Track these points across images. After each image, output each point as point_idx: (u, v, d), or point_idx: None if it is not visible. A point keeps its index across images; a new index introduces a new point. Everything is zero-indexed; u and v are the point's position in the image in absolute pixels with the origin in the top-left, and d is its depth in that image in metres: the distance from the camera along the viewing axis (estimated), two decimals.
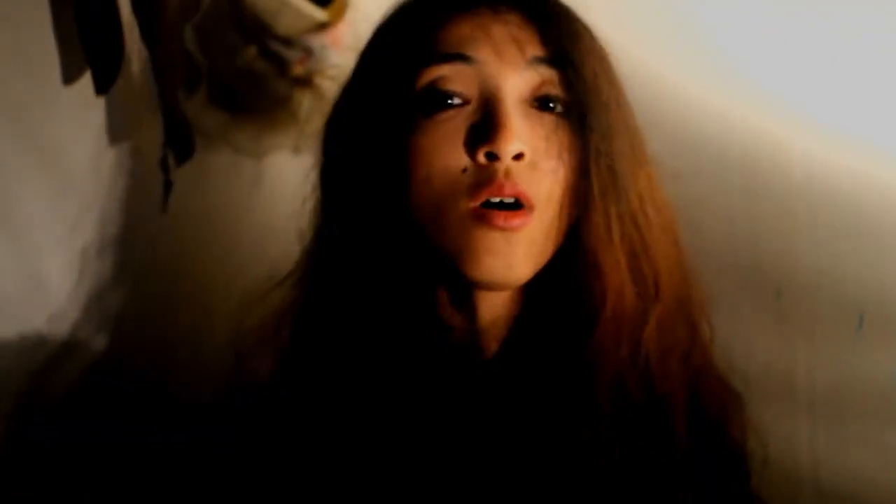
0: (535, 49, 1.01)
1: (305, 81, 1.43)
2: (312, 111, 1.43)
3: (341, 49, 1.43)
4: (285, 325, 1.05)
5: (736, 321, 1.27)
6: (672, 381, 1.02)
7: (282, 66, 1.41)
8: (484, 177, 0.98)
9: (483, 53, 1.00)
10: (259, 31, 1.38)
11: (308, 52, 1.42)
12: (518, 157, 0.98)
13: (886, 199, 1.30)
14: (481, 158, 0.98)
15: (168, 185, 1.30)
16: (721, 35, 1.37)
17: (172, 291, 1.41)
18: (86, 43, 1.19)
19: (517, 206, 0.98)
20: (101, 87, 1.21)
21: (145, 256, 1.38)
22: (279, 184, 1.42)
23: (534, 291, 1.02)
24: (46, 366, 1.31)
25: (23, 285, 1.29)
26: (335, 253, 1.03)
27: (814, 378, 1.33)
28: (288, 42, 1.41)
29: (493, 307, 1.03)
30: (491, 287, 1.01)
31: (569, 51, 1.02)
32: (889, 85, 1.31)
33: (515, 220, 0.97)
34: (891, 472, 1.29)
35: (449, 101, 1.00)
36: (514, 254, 0.98)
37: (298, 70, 1.43)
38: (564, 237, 1.02)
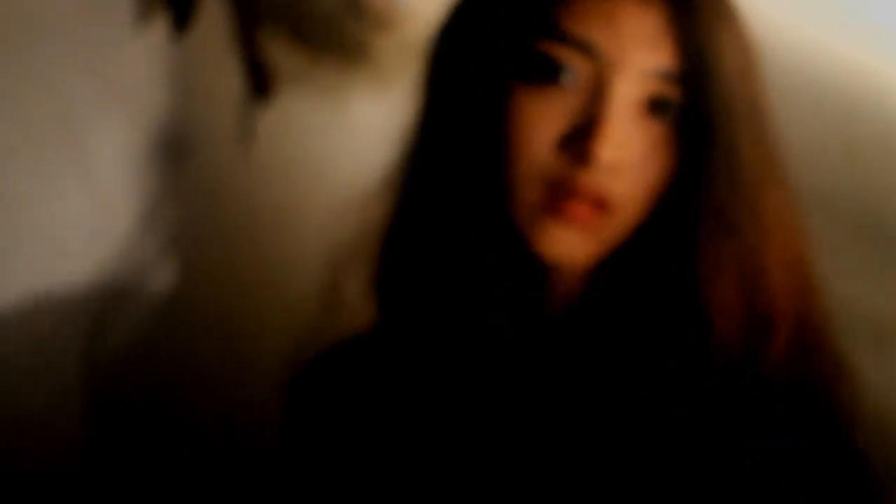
0: (667, 59, 0.93)
1: (384, 24, 1.39)
2: (392, 54, 1.39)
3: None
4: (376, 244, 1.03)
5: (839, 271, 1.22)
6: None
7: (360, 6, 1.37)
8: (565, 175, 0.92)
9: (609, 50, 0.92)
10: None
11: None
12: (610, 167, 0.92)
13: None
14: (570, 156, 0.92)
15: (249, 128, 1.28)
16: None
17: (252, 237, 1.39)
18: None
19: (594, 203, 0.93)
20: (181, 20, 1.18)
21: (223, 203, 1.36)
22: (361, 126, 1.39)
23: (612, 271, 0.99)
24: (114, 311, 1.33)
25: (95, 230, 1.29)
26: (424, 194, 1.00)
27: None
28: None
29: (565, 274, 1.00)
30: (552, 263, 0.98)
31: (705, 66, 0.93)
32: None
33: (584, 212, 0.93)
34: None
35: (559, 77, 0.93)
36: (577, 245, 0.94)
37: (377, 11, 1.39)
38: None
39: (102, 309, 1.33)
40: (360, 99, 1.43)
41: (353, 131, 1.41)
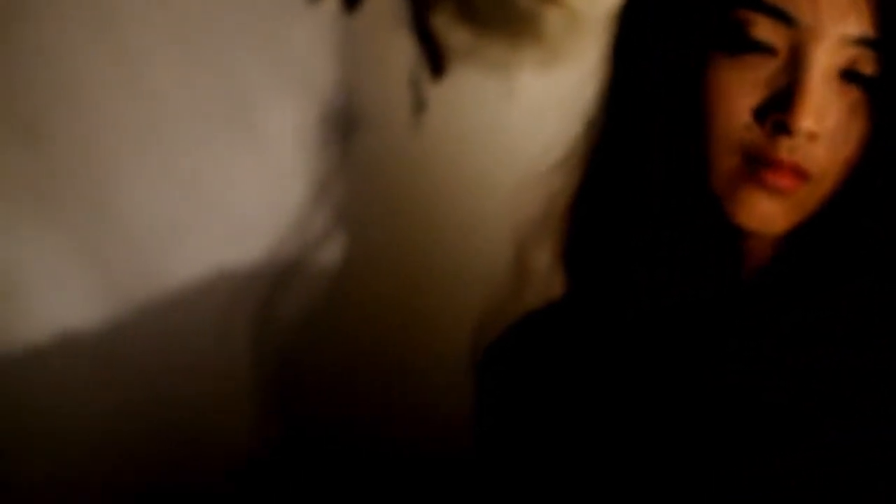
0: (865, 25, 0.91)
1: None
2: (561, 28, 1.38)
3: None
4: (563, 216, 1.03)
5: None
6: None
7: None
8: (764, 146, 0.91)
9: (807, 18, 0.92)
10: None
11: None
12: (810, 136, 0.92)
13: None
14: (769, 126, 0.91)
15: (421, 104, 1.28)
16: None
17: (422, 212, 1.39)
18: None
19: (794, 172, 0.93)
20: (351, 1, 1.19)
21: (393, 177, 1.37)
22: (531, 99, 1.38)
23: (807, 238, 0.98)
24: (286, 285, 1.35)
25: (267, 204, 1.30)
26: (617, 164, 0.97)
27: None
28: None
29: (759, 240, 0.98)
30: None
31: None
32: None
33: (786, 180, 0.92)
34: None
35: (757, 45, 0.92)
36: (778, 213, 0.94)
37: None
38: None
39: (274, 284, 1.35)
40: (530, 72, 1.42)
41: (523, 104, 1.40)
